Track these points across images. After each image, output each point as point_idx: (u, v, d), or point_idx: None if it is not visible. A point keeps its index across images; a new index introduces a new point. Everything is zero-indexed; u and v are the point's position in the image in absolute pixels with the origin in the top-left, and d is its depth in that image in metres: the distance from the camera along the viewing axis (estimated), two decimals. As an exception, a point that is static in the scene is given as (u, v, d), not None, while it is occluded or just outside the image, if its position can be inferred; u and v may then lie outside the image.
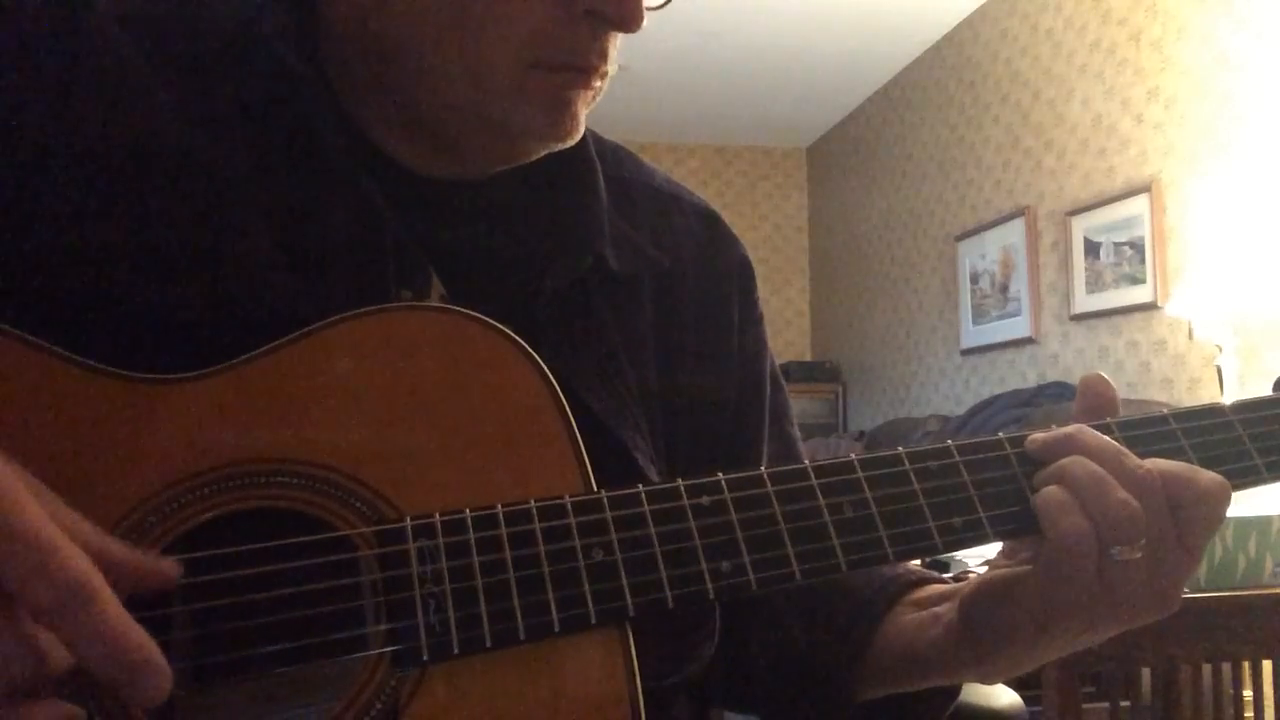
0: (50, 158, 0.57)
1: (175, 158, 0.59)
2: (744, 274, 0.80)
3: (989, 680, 0.66)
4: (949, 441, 0.59)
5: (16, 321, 0.52)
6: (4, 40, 0.58)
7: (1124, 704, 1.68)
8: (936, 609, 0.66)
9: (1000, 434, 0.61)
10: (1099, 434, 0.58)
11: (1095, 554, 0.55)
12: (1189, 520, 0.57)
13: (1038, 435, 0.60)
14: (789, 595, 0.73)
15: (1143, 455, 0.58)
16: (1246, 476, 0.62)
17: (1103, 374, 0.64)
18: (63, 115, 0.57)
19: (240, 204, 0.59)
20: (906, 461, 0.58)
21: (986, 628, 0.61)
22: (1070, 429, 0.59)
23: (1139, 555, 0.55)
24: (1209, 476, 0.57)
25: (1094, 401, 0.63)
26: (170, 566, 0.46)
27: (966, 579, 0.67)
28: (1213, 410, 0.63)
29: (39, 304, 0.55)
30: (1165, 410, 0.63)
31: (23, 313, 0.53)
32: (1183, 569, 0.57)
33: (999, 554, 0.64)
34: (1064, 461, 0.57)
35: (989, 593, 0.61)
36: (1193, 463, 0.60)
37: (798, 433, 0.83)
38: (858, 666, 0.68)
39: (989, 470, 0.59)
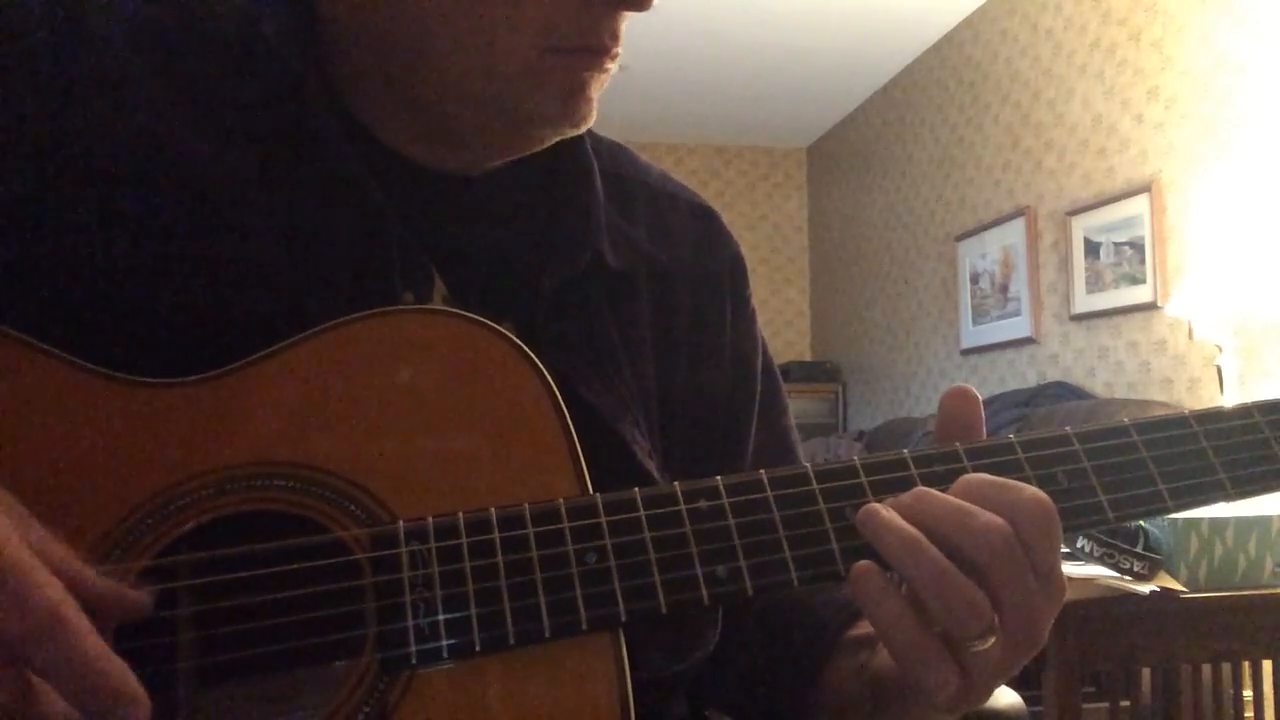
0: (55, 164, 0.57)
1: (179, 162, 0.59)
2: (735, 270, 0.80)
3: None
4: (956, 444, 0.57)
5: (23, 325, 0.53)
6: (5, 47, 0.58)
7: (1124, 704, 1.68)
8: (860, 657, 0.64)
9: (1011, 435, 0.58)
10: (937, 496, 0.51)
11: (947, 661, 0.49)
12: (1033, 549, 0.49)
13: (871, 507, 0.52)
14: (767, 606, 0.72)
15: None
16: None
17: (963, 386, 0.58)
18: (66, 121, 0.57)
19: (244, 208, 0.59)
20: (912, 465, 0.56)
21: (891, 711, 0.59)
22: (909, 496, 0.52)
23: (995, 639, 0.48)
24: (1031, 491, 0.50)
25: (955, 423, 0.57)
26: (141, 596, 0.46)
27: None
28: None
29: (45, 308, 0.55)
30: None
31: (29, 317, 0.53)
32: (1049, 604, 0.50)
33: None
34: (896, 554, 0.49)
35: (883, 683, 0.59)
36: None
37: (793, 425, 0.82)
38: (812, 692, 0.68)
39: (1000, 474, 0.55)
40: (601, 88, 0.63)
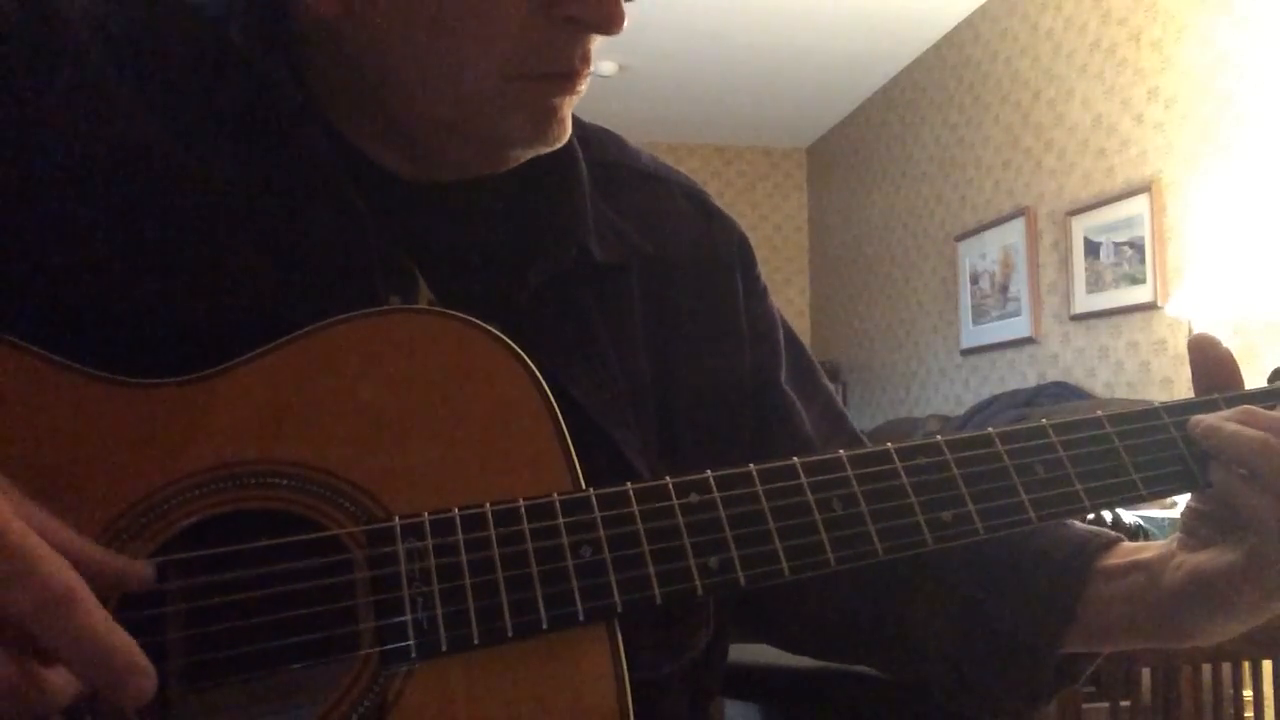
0: (33, 171, 0.56)
1: (157, 167, 0.59)
2: (744, 251, 0.79)
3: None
4: (938, 436, 0.59)
5: (9, 328, 0.52)
6: None
7: (1124, 704, 1.68)
8: (1135, 580, 0.65)
9: (990, 429, 0.61)
10: (1263, 412, 0.59)
11: None
12: None
13: (1213, 422, 0.60)
14: (964, 561, 0.71)
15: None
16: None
17: (1202, 335, 0.66)
18: (43, 128, 0.57)
19: (223, 212, 0.59)
20: (896, 458, 0.58)
21: (1198, 617, 0.61)
22: (1239, 413, 0.60)
23: None
24: None
25: (1208, 367, 0.64)
26: (143, 567, 0.47)
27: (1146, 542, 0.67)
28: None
29: (30, 311, 0.55)
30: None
31: (14, 320, 0.53)
32: None
33: (1181, 534, 0.64)
34: (1247, 451, 0.58)
35: (1199, 592, 0.60)
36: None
37: (831, 386, 0.82)
38: (1066, 632, 0.67)
39: (978, 465, 0.59)
40: (574, 104, 0.63)
